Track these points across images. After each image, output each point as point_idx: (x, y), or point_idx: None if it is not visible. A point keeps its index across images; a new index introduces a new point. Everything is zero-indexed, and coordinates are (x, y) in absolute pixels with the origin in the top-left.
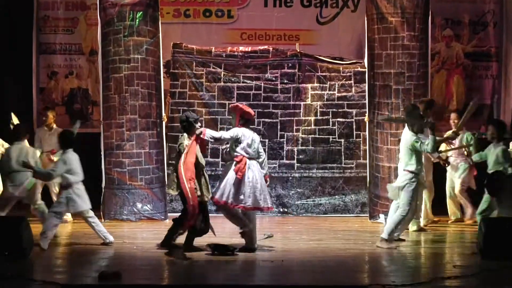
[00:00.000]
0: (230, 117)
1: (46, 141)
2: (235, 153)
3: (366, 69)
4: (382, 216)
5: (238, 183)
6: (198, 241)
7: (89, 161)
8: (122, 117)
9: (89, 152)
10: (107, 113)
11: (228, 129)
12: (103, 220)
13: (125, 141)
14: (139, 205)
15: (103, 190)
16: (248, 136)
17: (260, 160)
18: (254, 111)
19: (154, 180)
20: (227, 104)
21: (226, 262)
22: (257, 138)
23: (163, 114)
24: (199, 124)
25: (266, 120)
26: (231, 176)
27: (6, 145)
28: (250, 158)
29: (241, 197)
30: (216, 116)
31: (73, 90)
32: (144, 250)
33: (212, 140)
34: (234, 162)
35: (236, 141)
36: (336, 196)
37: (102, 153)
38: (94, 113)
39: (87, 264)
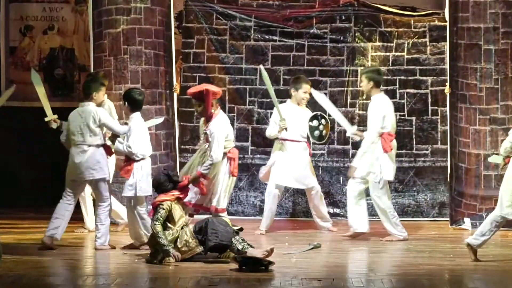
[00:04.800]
0: (262, 86)
1: None
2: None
3: (447, 23)
4: (467, 220)
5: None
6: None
7: None
8: (119, 86)
9: None
10: None
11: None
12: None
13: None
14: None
15: None
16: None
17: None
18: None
19: None
20: (258, 70)
21: (258, 281)
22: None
23: (174, 83)
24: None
25: (311, 91)
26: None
27: None
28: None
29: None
30: (244, 86)
31: (54, 51)
32: (146, 264)
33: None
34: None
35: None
36: (405, 194)
37: None
38: (82, 81)
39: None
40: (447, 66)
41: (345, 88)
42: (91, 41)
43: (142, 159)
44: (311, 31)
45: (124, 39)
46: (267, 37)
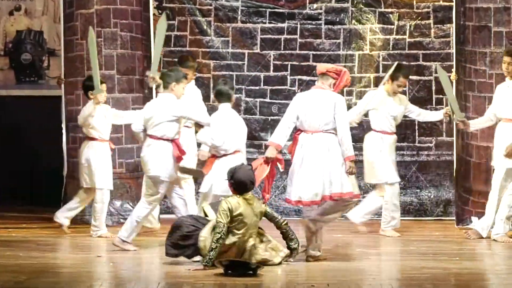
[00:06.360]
0: (250, 73)
1: None
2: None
3: (453, 3)
4: (475, 219)
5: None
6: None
7: (44, 137)
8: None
9: (44, 124)
10: (71, 67)
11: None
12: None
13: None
14: (117, 203)
15: (64, 180)
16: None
17: None
18: (287, 64)
19: (140, 165)
20: (246, 55)
21: (245, 287)
22: None
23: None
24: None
25: (304, 77)
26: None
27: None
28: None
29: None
30: (230, 72)
31: (21, 34)
32: (125, 269)
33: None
34: None
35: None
36: (407, 191)
37: (64, 125)
38: (51, 67)
39: None
40: (453, 50)
41: None
42: (62, 23)
43: (224, 155)
44: (304, 11)
45: (97, 21)
46: (255, 18)
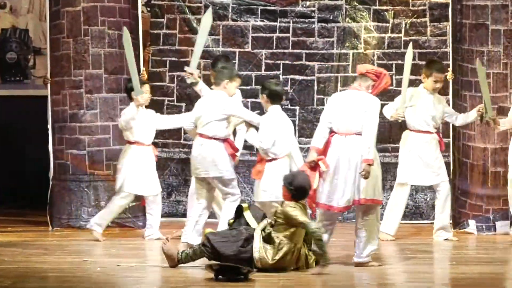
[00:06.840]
0: (241, 72)
1: None
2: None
3: (450, 1)
4: (472, 223)
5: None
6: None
7: (30, 138)
8: (80, 72)
9: (30, 125)
10: (57, 66)
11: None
12: (50, 228)
13: (85, 109)
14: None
15: (50, 182)
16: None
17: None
18: (279, 63)
19: None
20: (237, 53)
21: None
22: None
23: (142, 68)
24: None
25: (297, 77)
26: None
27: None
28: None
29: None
30: None
31: (6, 32)
32: (113, 273)
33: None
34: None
35: None
36: None
37: (50, 126)
38: (37, 66)
39: None
40: (449, 49)
41: (335, 74)
42: (48, 21)
43: (274, 158)
44: (297, 9)
45: (84, 19)
46: (247, 16)
